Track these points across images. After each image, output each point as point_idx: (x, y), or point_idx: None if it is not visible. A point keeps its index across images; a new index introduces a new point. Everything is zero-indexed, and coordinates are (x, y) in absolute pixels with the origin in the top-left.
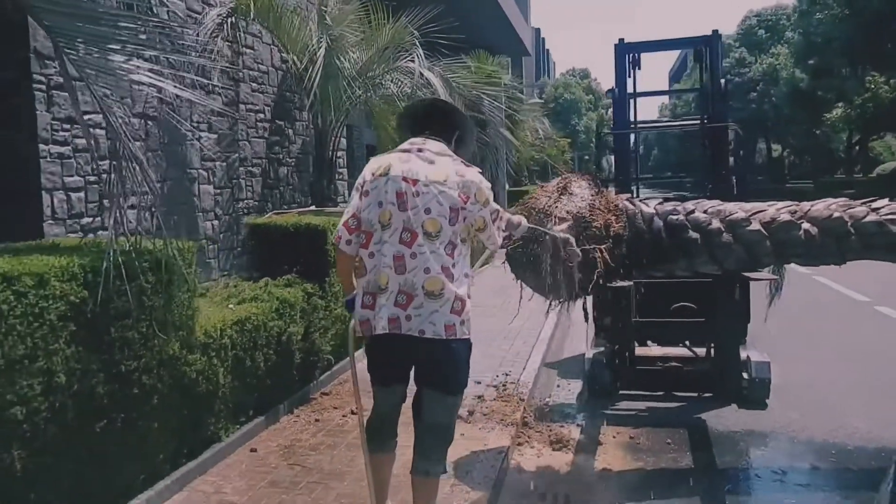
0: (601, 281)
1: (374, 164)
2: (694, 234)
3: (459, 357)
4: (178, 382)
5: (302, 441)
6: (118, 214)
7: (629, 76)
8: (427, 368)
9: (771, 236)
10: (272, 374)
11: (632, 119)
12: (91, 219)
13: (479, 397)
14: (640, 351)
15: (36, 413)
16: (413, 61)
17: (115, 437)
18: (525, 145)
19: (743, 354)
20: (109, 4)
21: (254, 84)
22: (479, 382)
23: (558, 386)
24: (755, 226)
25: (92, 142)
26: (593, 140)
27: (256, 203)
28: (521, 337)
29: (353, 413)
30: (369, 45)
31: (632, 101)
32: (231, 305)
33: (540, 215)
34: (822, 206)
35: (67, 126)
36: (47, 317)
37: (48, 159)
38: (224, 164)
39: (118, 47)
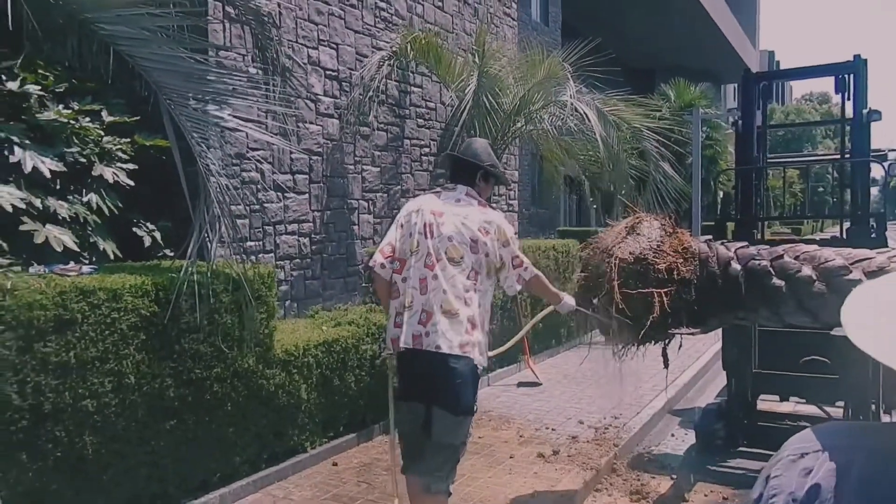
0: (660, 326)
1: (412, 204)
2: (779, 282)
3: (464, 375)
4: (256, 394)
5: (382, 461)
6: (206, 241)
7: (758, 108)
8: (436, 384)
9: None
10: (365, 395)
11: (759, 154)
12: (253, 242)
13: (573, 437)
14: (765, 406)
15: (106, 407)
16: (568, 94)
17: (188, 436)
18: (725, 176)
19: (884, 419)
20: (208, 65)
21: (420, 120)
22: (582, 423)
23: (672, 435)
24: (856, 275)
25: (258, 175)
26: (831, 170)
27: None
28: (654, 379)
29: None
30: (529, 81)
31: (761, 134)
32: (324, 327)
33: (602, 255)
34: None
35: (237, 161)
36: (119, 326)
37: (217, 189)
38: (385, 195)
39: (208, 98)
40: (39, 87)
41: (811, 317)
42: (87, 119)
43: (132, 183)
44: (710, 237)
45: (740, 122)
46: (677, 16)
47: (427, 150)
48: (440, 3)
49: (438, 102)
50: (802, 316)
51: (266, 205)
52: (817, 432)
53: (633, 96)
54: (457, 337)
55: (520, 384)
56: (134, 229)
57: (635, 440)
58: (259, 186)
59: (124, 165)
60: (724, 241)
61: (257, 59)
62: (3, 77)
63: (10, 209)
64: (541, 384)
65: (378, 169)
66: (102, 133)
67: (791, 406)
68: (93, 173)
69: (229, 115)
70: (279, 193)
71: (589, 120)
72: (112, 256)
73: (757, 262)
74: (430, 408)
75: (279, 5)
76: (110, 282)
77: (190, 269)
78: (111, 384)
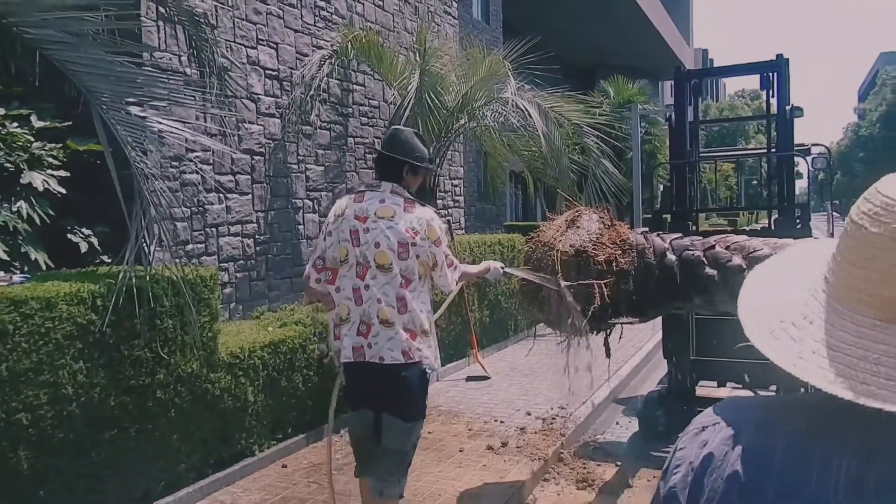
0: (601, 317)
1: (336, 207)
2: (711, 271)
3: (413, 384)
4: (200, 398)
5: (332, 461)
6: (142, 245)
7: (689, 104)
8: (385, 394)
9: None
10: (314, 395)
11: (691, 148)
12: (195, 245)
13: (521, 429)
14: (704, 392)
15: (42, 419)
16: (509, 91)
17: (129, 446)
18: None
19: None
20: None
21: (363, 118)
22: (530, 414)
23: (617, 423)
24: None
25: (199, 177)
26: (763, 164)
27: None
28: (599, 370)
29: None
30: (471, 78)
31: (693, 129)
32: (270, 328)
33: (544, 248)
34: None
35: (176, 163)
36: (53, 336)
37: (156, 192)
38: (330, 193)
39: (135, 100)
40: None
41: None
42: (15, 125)
43: (63, 190)
44: (646, 229)
45: (673, 117)
46: (616, 16)
47: (371, 147)
48: (380, 2)
49: (381, 101)
50: (734, 304)
51: (207, 206)
52: (717, 408)
53: (572, 93)
54: (398, 345)
55: (469, 378)
56: (69, 236)
57: (581, 430)
58: (200, 188)
59: (55, 172)
60: (660, 232)
61: (193, 61)
62: None
63: None
64: (489, 378)
65: (322, 168)
66: (32, 139)
67: (728, 391)
68: (21, 181)
69: (163, 118)
70: (221, 195)
71: (531, 116)
72: (44, 266)
73: (691, 252)
74: (380, 414)
75: (216, 6)
76: (43, 290)
77: (128, 274)
78: (47, 396)
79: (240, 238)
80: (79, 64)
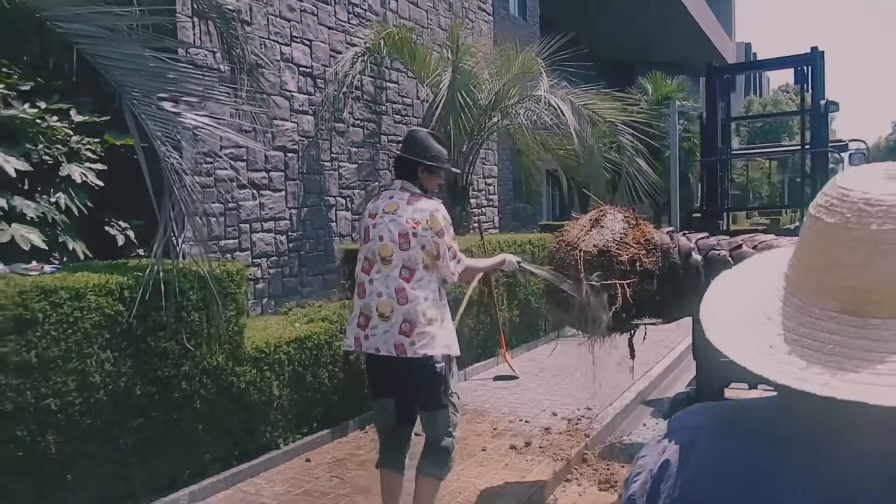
0: (624, 317)
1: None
2: None
3: (422, 374)
4: (226, 391)
5: (356, 456)
6: (172, 238)
7: (721, 101)
8: (399, 384)
9: None
10: (339, 391)
11: (723, 146)
12: (229, 241)
13: (546, 429)
14: (733, 394)
15: (70, 406)
16: (542, 89)
17: (156, 434)
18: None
19: None
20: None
21: (396, 116)
22: (556, 414)
23: (644, 425)
24: None
25: (233, 173)
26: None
27: None
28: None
29: (415, 434)
30: (503, 76)
31: (725, 126)
32: (297, 324)
33: (567, 248)
34: None
35: (210, 159)
36: (82, 325)
37: (184, 188)
38: (363, 191)
39: (166, 96)
40: (2, 86)
41: None
42: (55, 118)
43: (101, 183)
44: (672, 228)
45: (704, 115)
46: (655, 9)
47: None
48: None
49: (415, 98)
50: None
51: (241, 203)
52: (678, 415)
53: (608, 90)
54: (391, 339)
55: (496, 378)
56: (107, 228)
57: (607, 431)
58: (233, 184)
59: (93, 165)
60: (686, 232)
61: (225, 57)
62: None
63: None
64: (517, 377)
65: (355, 165)
66: (71, 133)
67: (759, 393)
68: (60, 173)
69: (195, 114)
70: (254, 191)
71: (563, 114)
72: (82, 256)
73: (717, 252)
74: (399, 402)
75: (250, 3)
76: (73, 281)
77: (156, 267)
78: (75, 383)
79: (273, 234)
80: (111, 59)
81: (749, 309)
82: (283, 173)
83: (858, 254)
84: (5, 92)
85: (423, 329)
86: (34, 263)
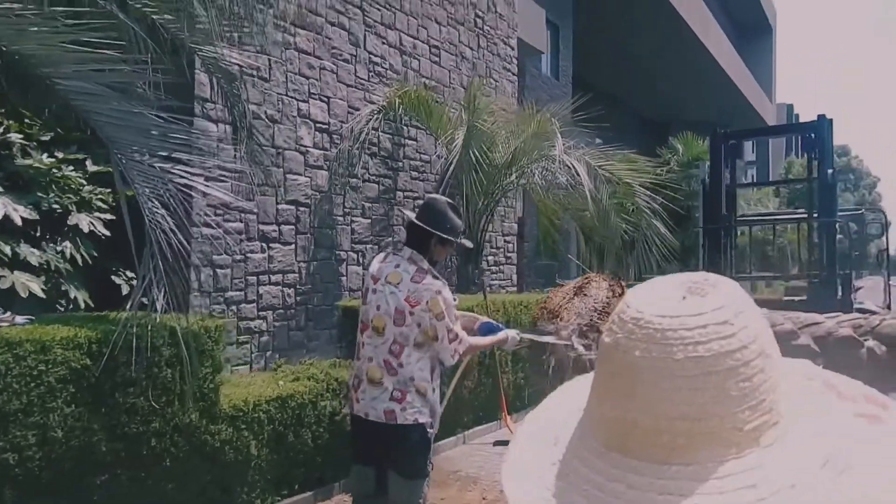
0: None
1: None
2: None
3: (408, 442)
4: (199, 449)
5: None
6: (149, 292)
7: (726, 166)
8: (382, 451)
9: (824, 354)
10: (323, 452)
11: (727, 212)
12: (235, 293)
13: None
14: None
15: (29, 460)
16: (557, 149)
17: (121, 491)
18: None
19: None
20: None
21: (414, 172)
22: None
23: None
24: (804, 340)
25: (243, 225)
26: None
27: None
28: None
29: None
30: (519, 135)
31: (730, 192)
32: (281, 382)
33: (549, 316)
34: None
35: (220, 212)
36: (45, 378)
37: (199, 239)
38: (376, 246)
39: (161, 153)
40: (22, 136)
41: None
42: (71, 168)
43: (108, 232)
44: None
45: (707, 180)
46: (692, 70)
47: (421, 202)
48: (436, 59)
49: (434, 155)
50: None
51: (249, 255)
52: None
53: (629, 151)
54: (382, 404)
55: (496, 443)
56: (112, 277)
57: None
58: (242, 237)
59: (102, 215)
60: None
61: (228, 114)
62: None
63: None
64: None
65: (368, 220)
66: (84, 182)
67: None
68: (68, 222)
69: (180, 169)
70: (264, 244)
71: (578, 174)
72: (83, 305)
73: None
74: (384, 471)
75: (269, 60)
76: (40, 333)
77: (129, 322)
78: (35, 437)
79: (280, 287)
80: (102, 115)
81: (549, 424)
82: (293, 227)
83: (623, 381)
84: (24, 143)
85: (412, 399)
86: (8, 314)
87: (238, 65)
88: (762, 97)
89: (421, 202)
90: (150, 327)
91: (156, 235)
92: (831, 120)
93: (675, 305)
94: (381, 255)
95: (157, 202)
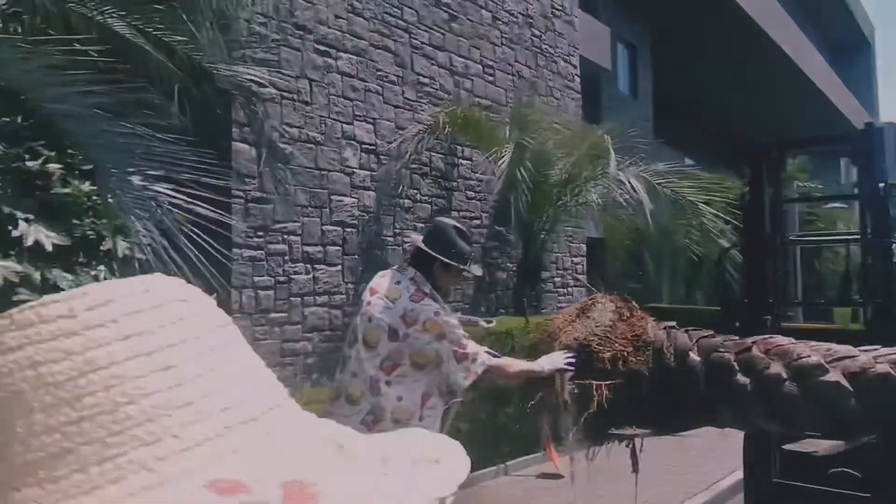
0: (599, 425)
1: None
2: (743, 379)
3: None
4: None
5: None
6: None
7: (768, 181)
8: None
9: (857, 393)
10: None
11: (773, 231)
12: (278, 314)
13: None
14: None
15: None
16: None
17: None
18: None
19: None
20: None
21: (469, 192)
22: None
23: None
24: (834, 376)
25: (286, 247)
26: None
27: (466, 306)
28: (694, 478)
29: None
30: (574, 154)
31: (775, 209)
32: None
33: (548, 340)
34: None
35: (262, 233)
36: None
37: (239, 261)
38: None
39: (136, 170)
40: (61, 166)
41: (784, 423)
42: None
43: (143, 256)
44: (673, 324)
45: (748, 197)
46: (782, 88)
47: (478, 221)
48: (491, 78)
49: (490, 174)
50: (773, 421)
51: (293, 276)
52: None
53: (690, 169)
54: (351, 426)
55: (541, 475)
56: None
57: None
58: (286, 258)
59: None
60: (690, 329)
61: (251, 133)
62: (27, 157)
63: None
64: (563, 477)
65: None
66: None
67: None
68: (102, 247)
69: (163, 187)
70: (308, 265)
71: (636, 191)
72: None
73: (720, 354)
74: None
75: (310, 83)
76: None
77: None
78: None
79: (326, 308)
80: (86, 135)
81: None
82: (339, 248)
83: None
84: (63, 171)
85: (385, 427)
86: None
87: (255, 82)
88: (862, 115)
89: (476, 221)
90: None
91: (144, 256)
92: (881, 128)
93: None
94: (385, 271)
95: (146, 221)
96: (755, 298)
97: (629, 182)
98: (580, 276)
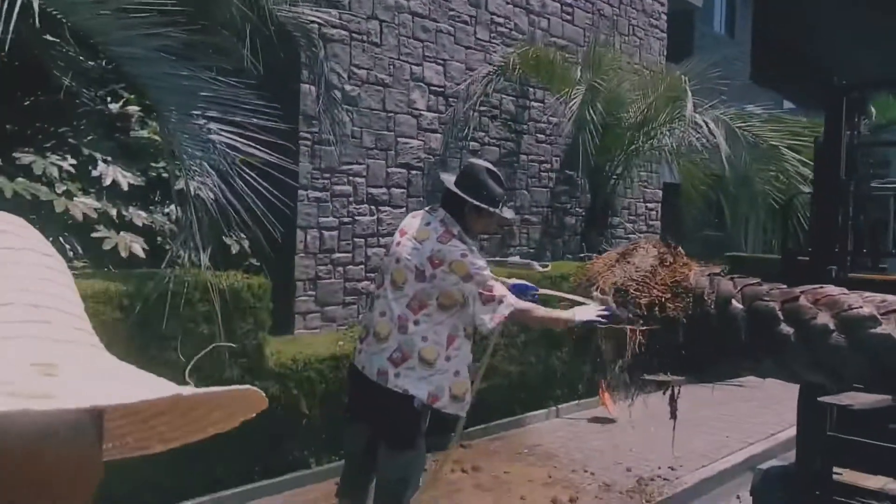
0: (633, 370)
1: None
2: (787, 329)
3: (392, 410)
4: None
5: None
6: (186, 249)
7: (846, 124)
8: (371, 414)
9: None
10: None
11: (848, 177)
12: (341, 254)
13: (607, 485)
14: (849, 477)
15: None
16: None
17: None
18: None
19: None
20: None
21: (539, 135)
22: (630, 470)
23: (738, 497)
24: (888, 328)
25: (351, 188)
26: None
27: (531, 251)
28: (752, 428)
29: (463, 472)
30: (650, 95)
31: (850, 153)
32: (341, 342)
33: (587, 283)
34: None
35: (327, 175)
36: None
37: (305, 202)
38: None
39: (199, 112)
40: (139, 108)
41: (830, 375)
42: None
43: (212, 195)
44: (718, 270)
45: (822, 140)
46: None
47: (548, 165)
48: (569, 17)
49: (562, 117)
50: (819, 373)
51: (357, 217)
52: None
53: (794, 114)
54: (378, 361)
55: (593, 419)
56: (223, 238)
57: (683, 497)
58: (350, 199)
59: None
60: (735, 276)
61: (311, 75)
62: (109, 99)
63: (80, 217)
64: (615, 420)
65: None
66: None
67: (880, 482)
68: (175, 187)
69: (218, 127)
70: (372, 206)
71: (713, 135)
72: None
73: (764, 302)
74: (371, 431)
75: (380, 23)
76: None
77: (167, 277)
78: None
79: None
80: (149, 78)
81: None
82: (405, 190)
83: None
84: (142, 114)
85: (413, 365)
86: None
87: (319, 24)
88: None
89: (546, 165)
90: (185, 282)
91: (190, 192)
92: None
93: None
94: (417, 211)
95: (197, 161)
96: (821, 248)
97: (706, 125)
98: (654, 223)
